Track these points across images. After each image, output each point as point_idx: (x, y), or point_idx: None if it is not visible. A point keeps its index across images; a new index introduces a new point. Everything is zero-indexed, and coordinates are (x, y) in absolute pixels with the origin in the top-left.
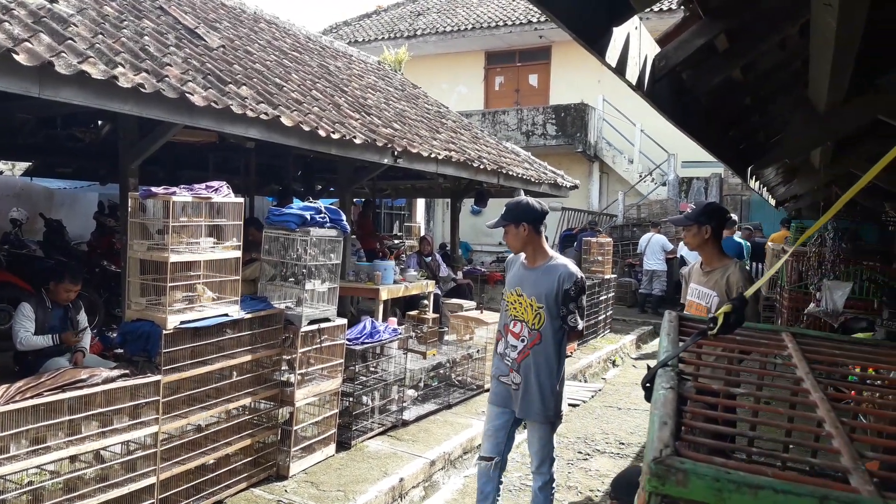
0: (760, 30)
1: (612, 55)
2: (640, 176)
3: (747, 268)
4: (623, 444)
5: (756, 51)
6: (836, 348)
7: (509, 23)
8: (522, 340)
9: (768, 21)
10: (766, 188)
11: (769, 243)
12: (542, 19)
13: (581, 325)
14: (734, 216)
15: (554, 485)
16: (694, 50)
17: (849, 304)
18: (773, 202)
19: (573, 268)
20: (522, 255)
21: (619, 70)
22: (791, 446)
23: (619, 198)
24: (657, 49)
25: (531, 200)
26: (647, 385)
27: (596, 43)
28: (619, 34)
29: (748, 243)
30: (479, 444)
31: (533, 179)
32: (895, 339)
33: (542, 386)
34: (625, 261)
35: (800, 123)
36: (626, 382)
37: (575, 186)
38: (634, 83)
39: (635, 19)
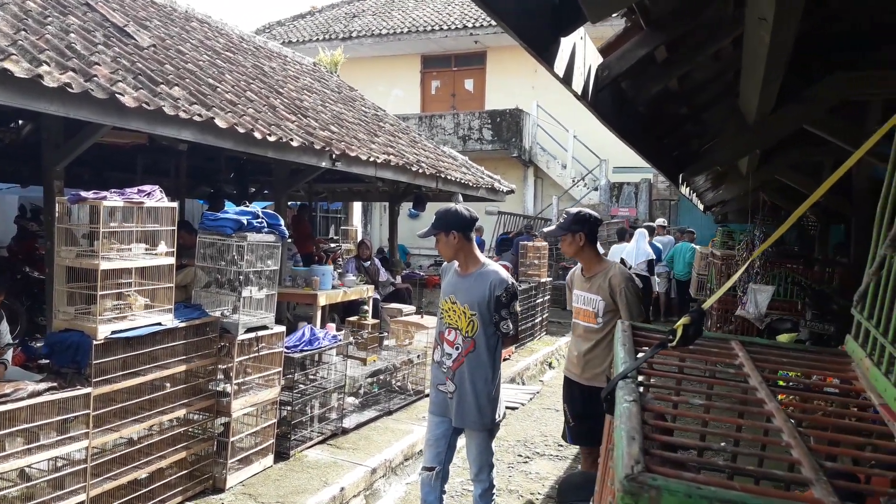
0: (698, 41)
1: (560, 65)
2: (573, 181)
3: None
4: (562, 446)
5: (693, 62)
6: (784, 356)
7: (445, 27)
8: (457, 348)
9: (705, 33)
10: (695, 193)
11: (699, 248)
12: (478, 24)
13: (514, 330)
14: (663, 220)
15: (494, 491)
16: (635, 61)
17: (774, 306)
18: (701, 207)
19: (504, 274)
20: (456, 263)
21: (566, 80)
22: (750, 456)
23: (553, 202)
24: (600, 59)
25: (460, 208)
26: (608, 397)
27: (545, 52)
28: (566, 44)
29: (657, 245)
30: (421, 451)
31: (470, 184)
32: (818, 339)
33: (477, 393)
34: (559, 264)
35: (731, 132)
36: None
37: (511, 191)
38: (580, 93)
39: (581, 30)
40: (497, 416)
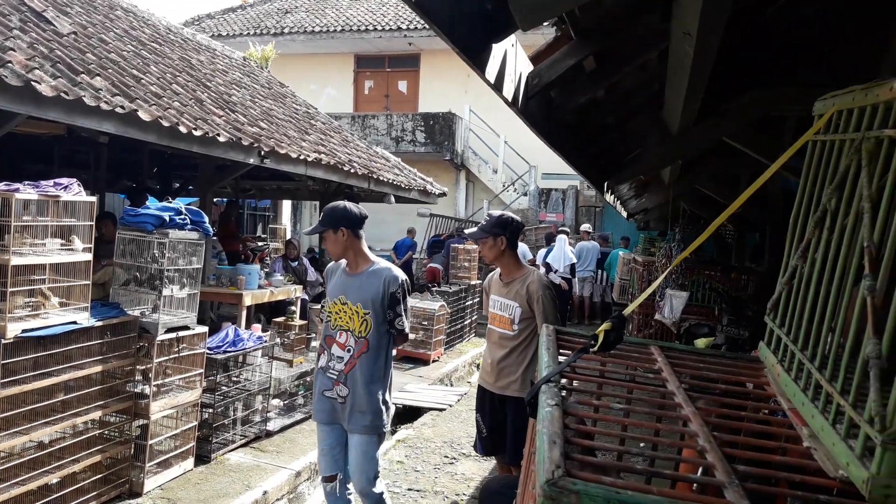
0: (625, 53)
1: (492, 71)
2: (504, 186)
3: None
4: None
5: (620, 73)
6: (701, 362)
7: (379, 27)
8: (349, 350)
9: (633, 45)
10: (619, 201)
11: (622, 253)
12: (412, 26)
13: (407, 328)
14: (589, 226)
15: (387, 499)
16: (564, 69)
17: (692, 311)
18: (625, 214)
19: (397, 271)
20: (344, 262)
21: (497, 86)
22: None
23: (484, 206)
24: (531, 66)
25: (349, 205)
26: (532, 401)
27: (477, 58)
28: (497, 50)
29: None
30: None
31: (403, 185)
32: (733, 343)
33: (371, 395)
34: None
35: (655, 142)
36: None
37: (443, 194)
38: (510, 100)
39: (513, 37)
40: (389, 419)
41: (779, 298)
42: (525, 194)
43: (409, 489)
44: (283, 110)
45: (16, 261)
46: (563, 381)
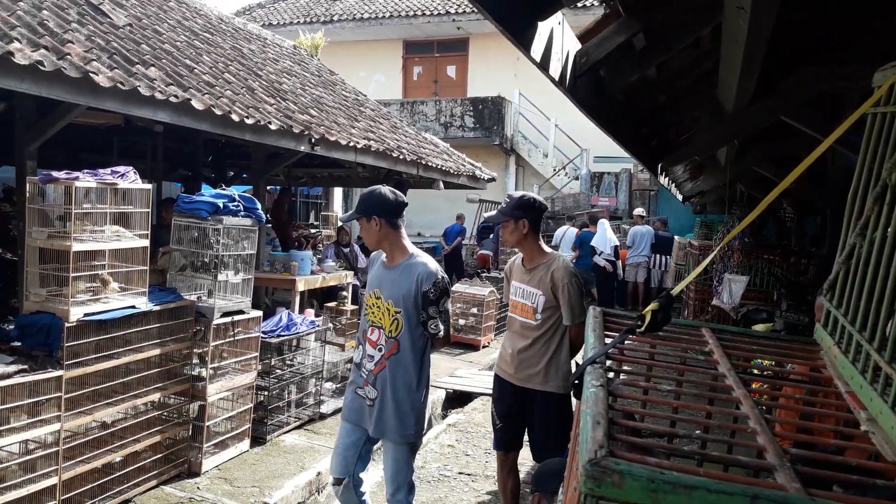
0: (676, 30)
1: (537, 50)
2: (555, 170)
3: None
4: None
5: (671, 50)
6: (755, 344)
7: (427, 12)
8: (380, 350)
9: (684, 21)
10: (674, 184)
11: (677, 238)
12: (461, 10)
13: (443, 331)
14: (642, 210)
15: None
16: (613, 48)
17: (750, 296)
18: (680, 197)
19: (433, 266)
20: (383, 253)
21: (543, 65)
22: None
23: (534, 190)
24: (578, 45)
25: (385, 190)
26: (576, 382)
27: (521, 36)
28: (543, 29)
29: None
30: None
31: (451, 171)
32: (793, 329)
33: (399, 402)
34: None
35: (709, 122)
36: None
37: (493, 179)
38: (557, 79)
39: (559, 14)
40: (422, 428)
41: (836, 278)
42: (576, 178)
43: (460, 473)
44: (333, 98)
45: (77, 247)
46: (611, 363)
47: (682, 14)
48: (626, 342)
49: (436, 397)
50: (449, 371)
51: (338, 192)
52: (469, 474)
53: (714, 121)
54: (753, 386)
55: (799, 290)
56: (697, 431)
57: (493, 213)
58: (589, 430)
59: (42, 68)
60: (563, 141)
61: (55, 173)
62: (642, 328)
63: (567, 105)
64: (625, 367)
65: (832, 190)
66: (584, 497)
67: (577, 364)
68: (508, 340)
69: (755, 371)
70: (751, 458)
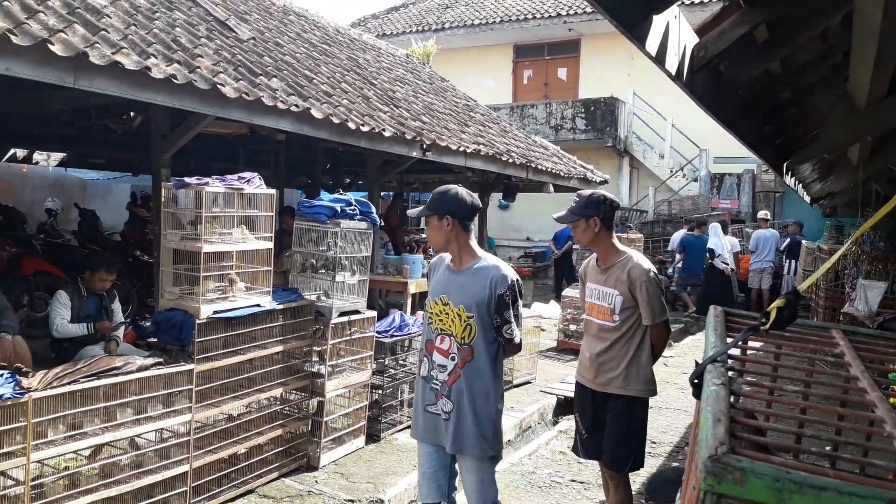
0: (801, 20)
1: (652, 44)
2: (672, 171)
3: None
4: (655, 442)
5: (796, 42)
6: (891, 346)
7: (538, 16)
8: (452, 358)
9: (810, 11)
10: (801, 185)
11: (805, 243)
12: (572, 12)
13: (518, 337)
14: (766, 213)
15: None
16: (733, 40)
17: (887, 303)
18: (807, 199)
19: (507, 269)
20: (448, 256)
21: (659, 59)
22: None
23: (649, 193)
24: (696, 39)
25: (461, 191)
26: (696, 381)
27: (635, 30)
28: (658, 23)
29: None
30: (508, 441)
31: (562, 174)
32: None
33: (477, 413)
34: (655, 258)
35: (839, 118)
36: (658, 381)
37: (605, 181)
38: (674, 73)
39: (675, 8)
40: (501, 440)
41: None
42: (695, 180)
43: (573, 480)
44: (444, 104)
45: (207, 248)
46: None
47: (807, 3)
48: (749, 343)
49: (546, 403)
50: (560, 377)
51: None
52: (581, 482)
53: (845, 117)
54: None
55: None
56: (827, 434)
57: (563, 212)
58: (709, 427)
59: (175, 81)
60: (681, 141)
61: (187, 179)
62: (766, 325)
63: (684, 105)
64: (748, 367)
65: None
66: (703, 495)
67: (696, 363)
68: (586, 345)
69: (892, 376)
70: (888, 462)
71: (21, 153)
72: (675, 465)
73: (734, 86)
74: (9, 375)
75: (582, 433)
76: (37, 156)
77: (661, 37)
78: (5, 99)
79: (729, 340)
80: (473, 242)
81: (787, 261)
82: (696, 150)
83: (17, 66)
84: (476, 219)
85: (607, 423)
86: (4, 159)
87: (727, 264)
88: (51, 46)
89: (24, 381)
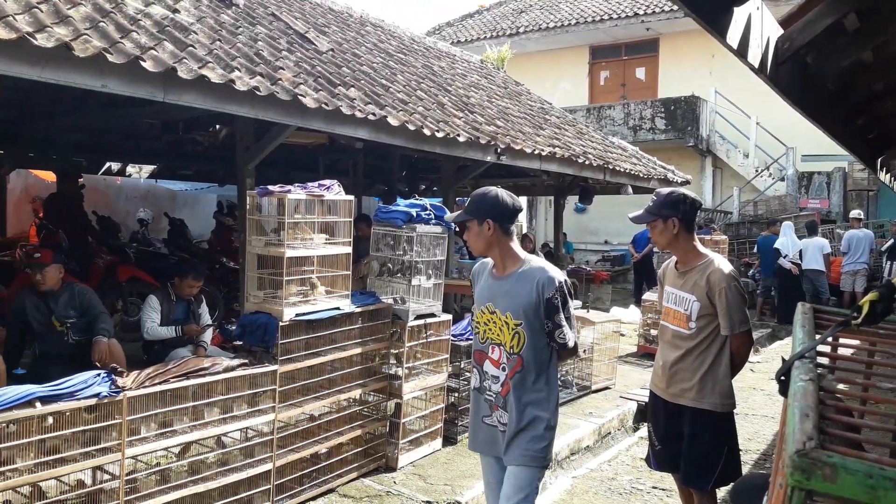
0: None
1: (734, 36)
2: (757, 171)
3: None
4: (740, 450)
5: (890, 30)
6: None
7: (614, 16)
8: (503, 369)
9: None
10: None
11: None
12: (649, 11)
13: (572, 340)
14: (859, 212)
15: None
16: (821, 31)
17: None
18: None
19: (554, 271)
20: (491, 262)
21: (741, 52)
22: None
23: (734, 194)
24: (780, 31)
25: (502, 193)
26: (782, 378)
27: (716, 23)
28: (740, 14)
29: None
30: (588, 446)
31: (640, 175)
32: None
33: (530, 422)
34: (740, 260)
35: None
36: (742, 387)
37: (686, 182)
38: (757, 66)
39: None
40: (552, 449)
41: None
42: (782, 179)
43: (654, 487)
44: (519, 108)
45: (289, 253)
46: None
47: None
48: (840, 340)
49: (626, 409)
50: (640, 383)
51: (522, 202)
52: (664, 489)
53: None
54: None
55: None
56: None
57: (640, 212)
58: (797, 423)
59: (258, 93)
60: (766, 139)
61: (270, 187)
62: (858, 320)
63: (770, 101)
64: (838, 364)
65: None
66: (791, 491)
67: (783, 359)
68: (660, 352)
69: None
70: None
71: (115, 166)
72: (761, 472)
73: (822, 77)
74: (105, 375)
75: (655, 444)
76: (129, 168)
77: (744, 29)
78: (101, 116)
79: (818, 337)
80: (516, 245)
81: (888, 263)
82: (783, 149)
83: (112, 82)
84: (530, 222)
85: (684, 438)
86: (100, 172)
87: (796, 264)
88: (142, 63)
89: (119, 381)
